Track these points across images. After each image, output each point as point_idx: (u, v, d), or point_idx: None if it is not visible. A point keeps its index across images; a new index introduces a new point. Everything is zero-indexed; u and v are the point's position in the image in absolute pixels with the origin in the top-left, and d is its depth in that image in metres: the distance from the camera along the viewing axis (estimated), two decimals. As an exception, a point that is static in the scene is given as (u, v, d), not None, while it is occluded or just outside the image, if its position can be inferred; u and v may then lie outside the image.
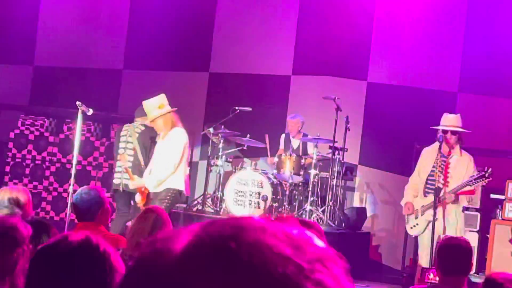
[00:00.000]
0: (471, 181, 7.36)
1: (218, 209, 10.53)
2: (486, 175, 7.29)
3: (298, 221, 2.31)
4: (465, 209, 8.07)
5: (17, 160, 11.22)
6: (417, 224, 7.80)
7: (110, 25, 12.66)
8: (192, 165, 12.56)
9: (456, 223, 7.59)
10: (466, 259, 4.81)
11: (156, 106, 8.01)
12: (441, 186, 7.50)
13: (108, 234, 5.27)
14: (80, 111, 7.84)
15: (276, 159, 10.77)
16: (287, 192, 10.44)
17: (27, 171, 11.19)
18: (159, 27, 12.53)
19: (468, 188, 7.49)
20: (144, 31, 12.60)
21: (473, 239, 9.15)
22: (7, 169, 11.12)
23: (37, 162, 11.18)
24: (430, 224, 7.59)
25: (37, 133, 11.22)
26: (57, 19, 12.54)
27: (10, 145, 11.24)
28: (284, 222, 1.13)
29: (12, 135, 11.26)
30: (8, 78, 12.51)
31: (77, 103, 7.84)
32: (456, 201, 7.51)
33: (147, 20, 12.59)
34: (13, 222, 3.30)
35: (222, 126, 10.67)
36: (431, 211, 7.47)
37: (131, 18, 12.63)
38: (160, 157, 7.95)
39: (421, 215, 7.72)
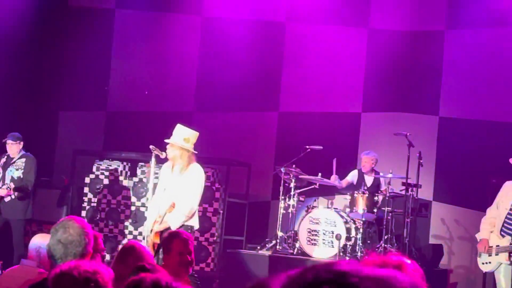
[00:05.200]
0: None
1: (292, 249, 10.46)
2: None
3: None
4: None
5: (92, 204, 11.40)
6: (490, 262, 7.59)
7: (180, 67, 12.84)
8: (264, 205, 12.55)
9: None
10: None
11: (183, 137, 7.93)
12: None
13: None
14: (154, 155, 7.93)
15: (348, 197, 10.70)
16: (361, 230, 10.31)
17: (103, 215, 11.34)
18: (228, 68, 12.64)
19: None
20: (213, 73, 12.73)
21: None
22: (83, 213, 11.30)
23: (112, 206, 11.33)
24: (502, 265, 7.38)
25: (111, 177, 11.39)
26: (127, 65, 12.79)
27: (86, 190, 11.43)
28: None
29: (87, 180, 11.46)
30: (83, 125, 12.79)
31: (151, 146, 7.93)
32: None
33: (216, 62, 12.73)
34: (95, 267, 3.31)
35: (293, 165, 10.65)
36: (506, 254, 7.27)
37: (200, 60, 12.80)
38: (181, 193, 7.77)
39: (495, 254, 7.50)
